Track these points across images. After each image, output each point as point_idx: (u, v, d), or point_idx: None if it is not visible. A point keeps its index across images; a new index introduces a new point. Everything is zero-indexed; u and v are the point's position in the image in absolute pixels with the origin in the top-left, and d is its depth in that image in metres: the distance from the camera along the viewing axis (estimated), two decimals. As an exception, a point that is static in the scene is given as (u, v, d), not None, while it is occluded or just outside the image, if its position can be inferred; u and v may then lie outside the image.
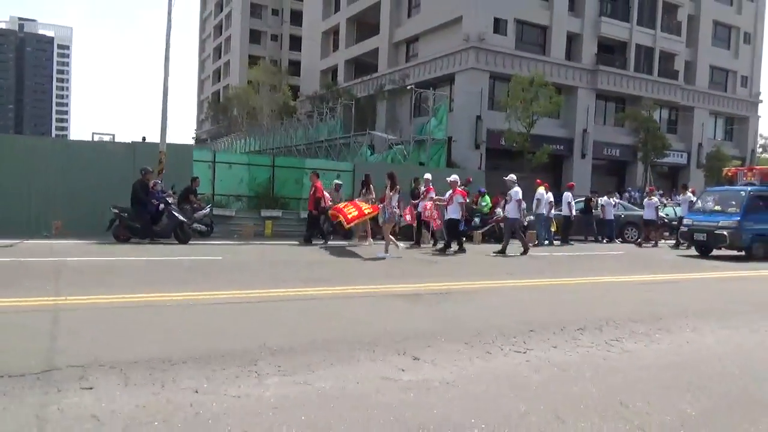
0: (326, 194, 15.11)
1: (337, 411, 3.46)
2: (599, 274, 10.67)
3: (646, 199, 18.84)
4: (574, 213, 17.81)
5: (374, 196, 14.68)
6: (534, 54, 33.04)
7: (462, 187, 17.93)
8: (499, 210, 17.64)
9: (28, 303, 5.97)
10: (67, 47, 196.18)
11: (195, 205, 14.77)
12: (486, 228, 17.24)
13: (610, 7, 35.62)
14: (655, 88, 37.13)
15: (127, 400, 3.50)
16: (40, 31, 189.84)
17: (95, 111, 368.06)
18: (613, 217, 18.98)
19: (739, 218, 14.49)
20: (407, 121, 35.93)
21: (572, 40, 34.69)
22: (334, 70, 47.67)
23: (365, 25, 43.48)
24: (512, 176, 14.62)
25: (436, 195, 14.40)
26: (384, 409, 3.51)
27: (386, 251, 11.92)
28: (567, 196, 17.83)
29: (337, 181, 16.35)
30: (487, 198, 18.13)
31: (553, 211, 17.34)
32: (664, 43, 37.79)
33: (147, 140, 21.81)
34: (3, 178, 14.16)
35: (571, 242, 17.86)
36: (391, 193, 12.53)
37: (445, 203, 13.88)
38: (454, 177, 14.04)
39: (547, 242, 16.91)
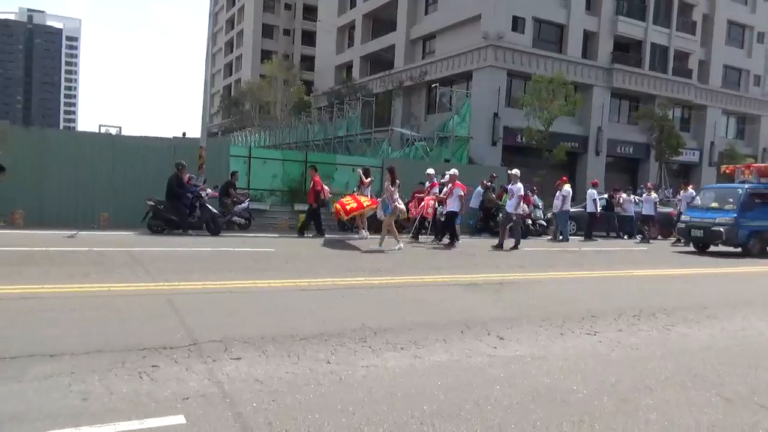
0: (325, 187, 15.36)
1: (464, 379, 4.03)
2: (634, 267, 11.19)
3: (645, 195, 19.04)
4: (599, 210, 18.26)
5: (369, 190, 15.03)
6: (551, 52, 33.44)
7: (489, 182, 18.60)
8: (525, 206, 18.19)
9: (138, 288, 6.57)
10: (76, 39, 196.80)
11: (235, 199, 15.35)
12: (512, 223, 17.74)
13: (626, 6, 35.96)
14: (669, 86, 37.50)
15: (275, 368, 4.08)
16: (49, 23, 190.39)
17: (102, 102, 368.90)
18: (633, 214, 19.46)
19: (735, 215, 14.69)
20: (423, 118, 36.44)
21: (588, 38, 35.06)
22: (349, 66, 48.12)
23: (381, 21, 43.89)
24: (516, 171, 14.86)
25: (445, 190, 14.48)
26: (498, 378, 4.09)
27: (380, 245, 11.94)
28: (592, 193, 18.32)
29: (359, 170, 15.77)
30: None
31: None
32: (679, 42, 38.12)
33: (180, 135, 22.33)
34: (51, 172, 14.73)
35: (595, 238, 18.36)
36: (393, 188, 12.65)
37: (445, 197, 14.02)
38: (454, 171, 14.29)
39: (561, 238, 17.31)
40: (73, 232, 12.38)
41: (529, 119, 26.59)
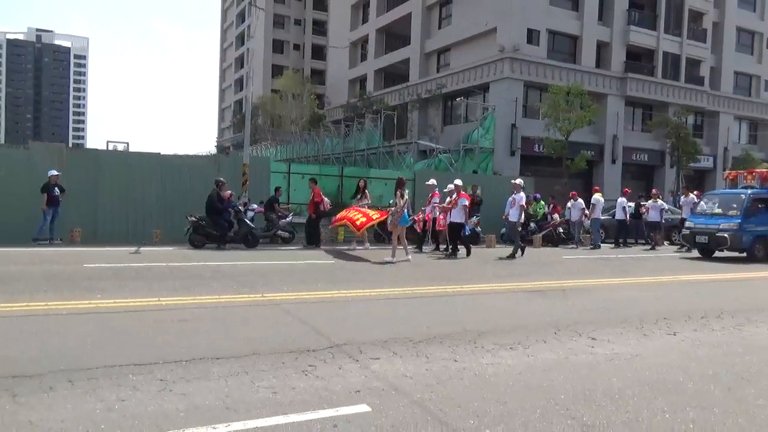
0: (325, 199, 15.82)
1: (581, 373, 4.57)
2: (677, 273, 11.70)
3: (651, 202, 19.01)
4: (628, 217, 18.68)
5: (369, 201, 15.32)
6: (565, 63, 34.06)
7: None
8: (556, 215, 18.76)
9: (245, 299, 7.15)
10: (84, 57, 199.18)
11: (279, 214, 15.93)
12: (545, 232, 18.29)
13: (637, 16, 36.59)
14: (681, 94, 38.05)
15: (414, 366, 4.62)
16: (57, 42, 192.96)
17: (111, 119, 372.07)
18: (658, 220, 19.86)
19: (739, 221, 14.80)
20: (440, 129, 37.06)
21: (602, 48, 35.68)
22: (362, 80, 48.89)
23: (394, 35, 44.71)
24: (520, 180, 15.13)
25: (448, 200, 14.36)
26: (609, 372, 4.62)
27: (393, 255, 12.12)
28: (622, 201, 18.79)
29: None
30: (542, 203, 19.18)
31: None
32: (690, 50, 38.69)
33: (221, 152, 22.95)
34: (103, 191, 15.35)
35: (629, 244, 18.76)
36: (403, 200, 12.79)
37: (450, 207, 13.92)
38: (458, 181, 14.30)
39: (592, 246, 17.81)
40: (134, 248, 12.96)
41: (549, 130, 27.13)
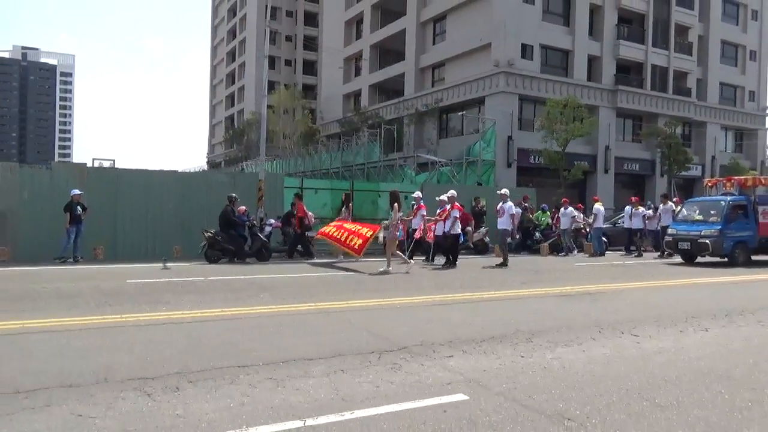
0: (310, 213, 16.22)
1: (638, 365, 5.08)
2: (685, 277, 12.30)
3: (632, 209, 19.24)
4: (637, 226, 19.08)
5: (350, 215, 15.70)
6: (558, 76, 34.99)
7: (516, 206, 19.72)
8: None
9: (296, 308, 7.59)
10: (70, 75, 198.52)
11: (296, 229, 16.33)
12: (551, 240, 18.87)
13: (626, 31, 37.72)
14: (670, 105, 39.15)
15: (487, 362, 5.10)
16: (43, 60, 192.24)
17: (98, 137, 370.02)
18: (658, 228, 20.37)
19: (720, 227, 15.26)
20: (436, 143, 37.75)
21: (592, 62, 36.67)
22: (357, 94, 49.59)
23: (388, 51, 45.52)
24: (505, 190, 15.47)
25: (438, 211, 14.66)
26: (664, 364, 5.13)
27: (388, 266, 12.39)
28: (628, 209, 19.24)
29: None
30: (548, 213, 19.79)
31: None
32: (677, 62, 39.88)
33: (222, 169, 23.33)
34: (124, 209, 15.69)
35: (643, 252, 19.11)
36: (392, 211, 13.15)
37: (443, 219, 14.08)
38: (452, 192, 14.59)
39: (598, 252, 18.38)
40: (162, 265, 13.30)
41: (547, 141, 27.88)
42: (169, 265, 13.30)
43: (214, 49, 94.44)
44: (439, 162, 26.08)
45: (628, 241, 19.06)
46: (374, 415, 3.76)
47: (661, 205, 19.05)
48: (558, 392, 4.27)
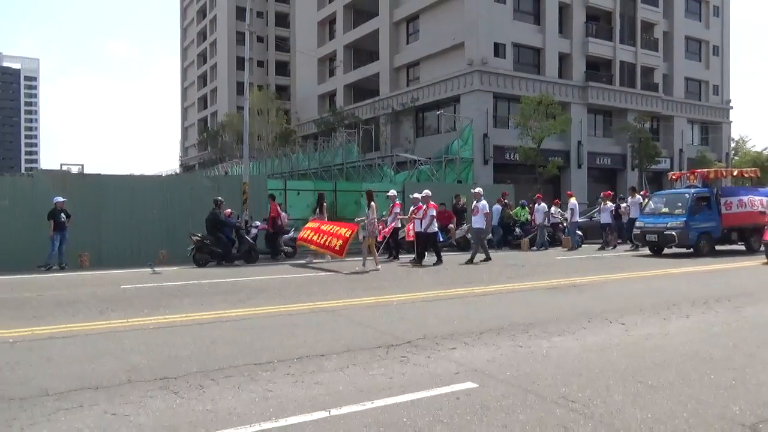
0: (283, 214, 16.36)
1: (632, 351, 5.44)
2: (661, 268, 12.81)
3: (602, 204, 19.68)
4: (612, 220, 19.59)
5: (326, 216, 15.85)
6: (530, 74, 35.66)
7: (505, 200, 20.16)
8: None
9: (298, 308, 7.81)
10: (35, 79, 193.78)
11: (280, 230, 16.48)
12: (531, 235, 19.32)
13: (595, 28, 38.59)
14: (638, 100, 40.18)
15: (488, 352, 5.39)
16: (6, 64, 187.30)
17: (65, 142, 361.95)
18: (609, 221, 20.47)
19: (685, 219, 15.69)
20: (413, 141, 38.11)
21: (563, 59, 37.43)
22: (332, 95, 49.68)
23: (362, 51, 45.73)
24: (479, 189, 15.59)
25: (412, 209, 14.88)
26: (655, 348, 5.50)
27: (364, 264, 12.88)
28: (609, 206, 19.62)
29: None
30: (526, 209, 20.27)
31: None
32: (644, 58, 40.93)
33: (214, 173, 23.25)
34: (107, 215, 15.64)
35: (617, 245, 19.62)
36: (368, 210, 13.54)
37: (420, 218, 14.26)
38: (427, 192, 14.70)
39: (576, 246, 18.89)
40: (151, 270, 13.36)
41: (522, 138, 28.44)
42: (157, 269, 13.38)
43: (185, 51, 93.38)
44: (419, 160, 26.41)
45: (603, 235, 19.56)
46: (393, 404, 4.02)
47: (629, 198, 19.38)
48: (559, 378, 4.59)
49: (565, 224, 20.29)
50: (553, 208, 19.86)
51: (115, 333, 6.29)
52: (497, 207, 19.69)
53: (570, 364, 4.97)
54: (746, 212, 16.70)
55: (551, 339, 5.89)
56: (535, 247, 18.84)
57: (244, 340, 5.94)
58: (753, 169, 20.71)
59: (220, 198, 15.27)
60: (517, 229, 19.72)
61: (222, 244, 14.66)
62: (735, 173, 20.12)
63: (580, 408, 3.92)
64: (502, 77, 34.27)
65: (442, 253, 14.83)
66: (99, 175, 16.31)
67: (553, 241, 19.85)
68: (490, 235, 19.30)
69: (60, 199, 14.26)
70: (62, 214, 14.21)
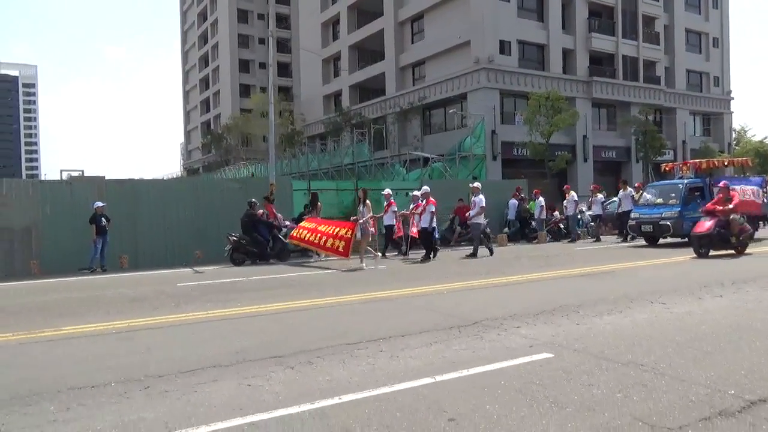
0: (279, 216, 16.48)
1: (676, 325, 6.05)
2: (681, 255, 13.42)
3: (592, 197, 19.97)
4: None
5: (318, 214, 16.20)
6: (535, 70, 36.28)
7: (521, 195, 20.77)
8: (556, 213, 20.49)
9: (356, 298, 8.41)
10: (33, 85, 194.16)
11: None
12: (548, 228, 19.93)
13: (597, 24, 39.21)
14: (641, 93, 40.80)
15: (551, 329, 6.00)
16: (3, 71, 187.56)
17: (65, 148, 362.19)
18: (600, 213, 20.79)
19: (679, 209, 15.94)
20: (420, 139, 38.71)
21: (567, 55, 38.06)
22: (337, 95, 50.26)
23: (367, 51, 46.32)
24: (478, 184, 15.88)
25: (411, 206, 15.22)
26: (698, 323, 6.11)
27: (362, 261, 13.05)
28: (600, 197, 20.00)
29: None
30: (536, 202, 20.88)
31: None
32: (646, 52, 41.57)
33: (221, 176, 23.76)
34: (142, 218, 16.22)
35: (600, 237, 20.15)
36: (362, 209, 13.68)
37: (419, 213, 14.52)
38: (426, 188, 15.10)
39: (572, 239, 19.48)
40: (191, 269, 13.97)
41: (531, 134, 29.06)
42: (197, 269, 13.97)
43: (185, 55, 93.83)
44: (432, 158, 27.01)
45: (621, 225, 19.62)
46: (484, 371, 4.63)
47: (621, 191, 19.68)
48: (622, 347, 5.20)
49: (579, 216, 20.88)
50: (569, 201, 20.46)
51: (203, 323, 6.89)
52: (513, 201, 20.31)
53: (627, 337, 5.58)
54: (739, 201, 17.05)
55: (603, 317, 6.50)
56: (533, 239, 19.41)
57: (324, 325, 6.54)
58: (744, 159, 21.23)
59: (254, 200, 15.86)
60: (533, 223, 20.31)
61: (258, 243, 15.24)
62: (726, 163, 20.31)
63: (650, 369, 4.53)
64: (508, 74, 34.88)
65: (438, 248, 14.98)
66: (133, 180, 16.92)
67: (566, 234, 20.39)
68: (507, 228, 19.98)
69: (100, 204, 14.85)
70: (102, 219, 14.79)
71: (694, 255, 12.79)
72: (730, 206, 12.89)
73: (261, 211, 16.21)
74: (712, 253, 12.94)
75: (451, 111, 33.50)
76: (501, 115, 35.15)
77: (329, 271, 12.81)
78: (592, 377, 4.38)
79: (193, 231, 16.76)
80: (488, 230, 16.77)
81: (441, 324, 6.37)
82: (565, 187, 21.76)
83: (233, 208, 16.92)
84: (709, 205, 13.58)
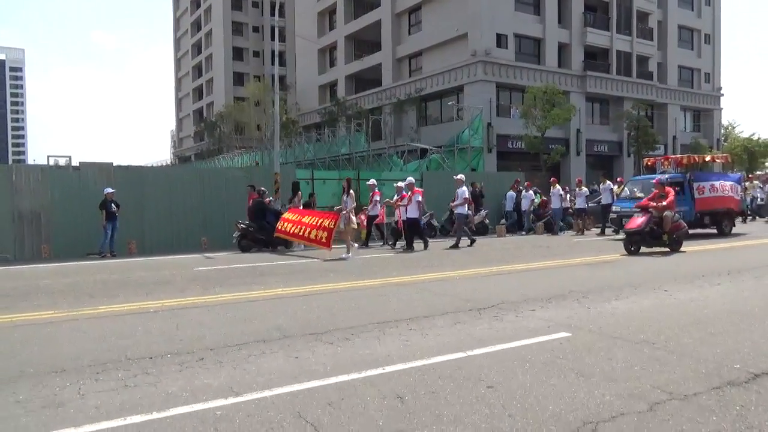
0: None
1: (680, 309, 6.51)
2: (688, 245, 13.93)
3: (576, 190, 20.15)
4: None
5: (299, 203, 16.22)
6: (531, 64, 36.70)
7: (518, 187, 21.19)
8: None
9: (375, 282, 8.82)
10: (20, 69, 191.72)
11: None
12: (544, 220, 20.41)
13: (592, 18, 39.65)
14: (634, 88, 41.39)
15: (565, 312, 6.43)
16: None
17: (53, 134, 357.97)
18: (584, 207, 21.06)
19: None
20: (416, 130, 39.05)
21: (562, 49, 38.49)
22: (332, 85, 50.39)
23: (363, 41, 46.46)
24: (461, 176, 15.96)
25: (396, 198, 15.10)
26: (701, 307, 6.58)
27: (348, 252, 12.94)
28: (585, 191, 20.26)
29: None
30: (539, 195, 21.35)
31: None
32: (640, 47, 42.11)
33: (215, 164, 23.97)
34: (149, 205, 16.46)
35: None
36: (347, 198, 13.68)
37: (405, 204, 14.47)
38: (410, 179, 15.15)
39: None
40: (201, 255, 14.28)
41: (528, 128, 29.52)
42: (208, 255, 14.28)
43: (178, 41, 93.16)
44: (430, 149, 27.39)
45: (603, 218, 19.48)
46: (509, 347, 5.05)
47: (600, 185, 19.85)
48: (633, 328, 5.65)
49: (571, 209, 21.34)
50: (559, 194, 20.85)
51: (234, 304, 7.27)
52: (512, 193, 20.76)
53: (637, 319, 6.03)
54: (718, 197, 17.27)
55: (611, 302, 6.95)
56: (522, 232, 19.77)
57: (351, 306, 6.94)
58: (724, 155, 21.70)
59: (263, 188, 16.17)
60: (532, 215, 20.77)
61: (265, 230, 15.57)
62: (707, 159, 20.34)
63: (662, 347, 4.97)
64: (505, 67, 35.27)
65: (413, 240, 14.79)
66: (141, 167, 17.15)
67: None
68: (504, 219, 20.44)
69: (110, 190, 15.08)
70: (112, 204, 15.03)
71: (625, 252, 12.56)
72: (664, 203, 12.60)
73: (268, 199, 16.53)
74: (714, 246, 13.37)
75: (450, 103, 33.85)
76: (497, 107, 35.56)
77: (340, 260, 13.19)
78: (610, 353, 4.82)
79: (199, 219, 17.04)
80: (435, 221, 17.00)
81: (461, 307, 6.78)
82: (551, 180, 22.22)
83: (238, 197, 17.27)
84: (644, 200, 13.37)
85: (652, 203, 12.78)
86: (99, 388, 4.15)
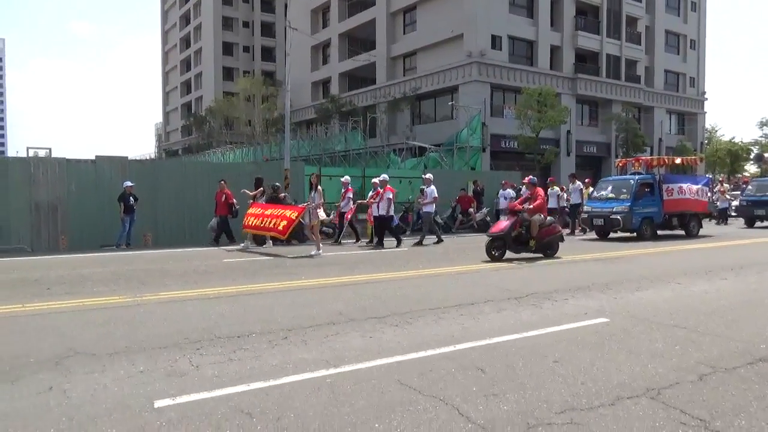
0: (235, 200, 16.21)
1: (696, 300, 7.16)
2: (672, 245, 14.70)
3: (549, 190, 19.97)
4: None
5: (264, 199, 15.96)
6: (524, 65, 37.49)
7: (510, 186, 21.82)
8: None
9: (404, 275, 9.36)
10: (0, 59, 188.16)
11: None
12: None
13: (583, 22, 40.58)
14: (622, 91, 42.44)
15: (595, 302, 7.05)
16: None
17: (33, 125, 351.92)
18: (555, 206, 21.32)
19: (629, 204, 16.23)
20: (410, 129, 39.61)
21: (554, 52, 39.33)
22: (326, 82, 50.72)
23: (358, 40, 46.85)
24: (430, 175, 16.11)
25: (370, 195, 15.31)
26: (715, 298, 7.24)
27: (318, 249, 12.74)
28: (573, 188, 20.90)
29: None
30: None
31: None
32: (628, 51, 43.18)
33: (206, 158, 24.28)
34: (162, 197, 16.80)
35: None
36: (314, 194, 13.55)
37: (377, 201, 14.60)
38: (384, 176, 15.30)
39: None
40: (220, 247, 14.69)
41: (522, 128, 30.27)
42: (226, 248, 14.68)
43: (166, 35, 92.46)
44: (429, 148, 27.97)
45: (573, 218, 19.69)
46: (555, 331, 5.63)
47: (570, 185, 20.14)
48: (662, 315, 6.27)
49: (567, 209, 22.02)
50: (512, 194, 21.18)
51: (286, 291, 7.77)
52: (507, 192, 21.35)
53: (662, 308, 6.66)
54: (686, 199, 17.50)
55: (634, 293, 7.58)
56: None
57: (399, 294, 7.49)
58: (693, 158, 22.41)
59: (278, 183, 16.60)
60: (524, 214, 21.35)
61: None
62: (678, 161, 20.56)
63: (693, 330, 5.59)
64: (499, 68, 36.00)
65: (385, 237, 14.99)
66: (155, 160, 17.51)
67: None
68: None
69: (129, 183, 15.40)
70: (131, 198, 15.35)
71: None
72: (530, 206, 11.72)
73: (282, 194, 16.93)
74: (713, 244, 14.06)
75: (450, 102, 34.45)
76: (491, 108, 36.28)
77: (368, 252, 13.68)
78: (650, 335, 5.43)
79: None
80: (439, 219, 17.42)
81: (498, 296, 7.36)
82: (549, 180, 22.82)
83: (251, 190, 17.61)
84: (516, 203, 12.66)
85: (518, 206, 11.95)
86: (207, 361, 4.63)
